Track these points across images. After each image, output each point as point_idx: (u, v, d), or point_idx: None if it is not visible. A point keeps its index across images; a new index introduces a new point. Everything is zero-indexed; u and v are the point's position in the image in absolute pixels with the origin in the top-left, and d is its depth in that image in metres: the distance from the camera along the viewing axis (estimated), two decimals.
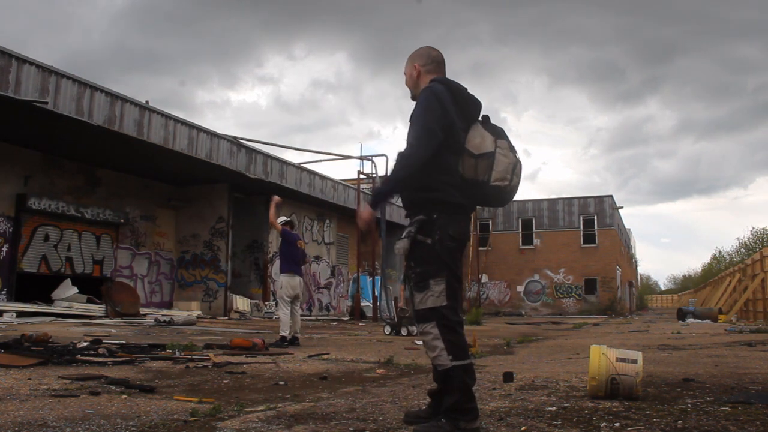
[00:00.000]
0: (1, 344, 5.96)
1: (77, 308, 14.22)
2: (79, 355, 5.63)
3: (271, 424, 2.90)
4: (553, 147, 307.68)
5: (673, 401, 3.51)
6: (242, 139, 18.49)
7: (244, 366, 5.44)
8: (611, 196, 36.28)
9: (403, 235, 2.80)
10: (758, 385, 4.14)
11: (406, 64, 3.07)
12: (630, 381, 3.51)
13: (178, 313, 15.07)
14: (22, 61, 12.00)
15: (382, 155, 36.13)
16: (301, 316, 9.13)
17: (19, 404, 3.30)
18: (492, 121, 2.92)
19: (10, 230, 14.57)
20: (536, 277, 35.81)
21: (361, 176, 22.82)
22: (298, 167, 21.41)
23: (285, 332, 8.10)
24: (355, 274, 22.10)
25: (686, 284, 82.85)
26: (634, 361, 3.58)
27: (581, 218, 35.73)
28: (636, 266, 66.66)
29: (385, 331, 11.52)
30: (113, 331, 10.21)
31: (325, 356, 6.65)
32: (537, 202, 37.03)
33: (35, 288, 14.94)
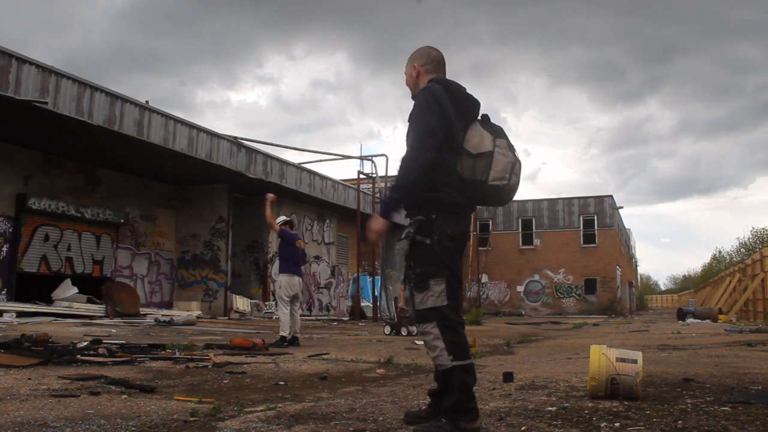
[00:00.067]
0: (1, 344, 5.96)
1: (77, 308, 14.22)
2: (79, 355, 5.63)
3: (271, 424, 2.90)
4: (553, 147, 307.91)
5: (673, 401, 3.51)
6: (242, 139, 18.49)
7: (244, 366, 5.44)
8: (611, 196, 36.29)
9: (403, 235, 2.81)
10: (758, 385, 4.14)
11: (407, 64, 3.07)
12: (630, 381, 3.50)
13: (178, 313, 15.08)
14: (22, 61, 12.00)
15: (382, 155, 36.24)
16: (301, 316, 9.12)
17: (19, 404, 3.30)
18: (491, 121, 2.91)
19: (10, 230, 14.57)
20: (536, 277, 35.82)
21: (361, 176, 22.81)
22: (298, 167, 21.41)
23: (285, 332, 8.10)
24: (355, 274, 22.10)
25: (686, 284, 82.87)
26: (634, 361, 3.58)
27: (581, 218, 35.74)
28: (636, 266, 66.70)
29: (385, 331, 11.52)
30: (113, 331, 10.21)
31: (325, 356, 6.65)
32: (537, 202, 37.04)
33: (35, 288, 14.94)
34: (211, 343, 7.55)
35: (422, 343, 7.83)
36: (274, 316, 16.00)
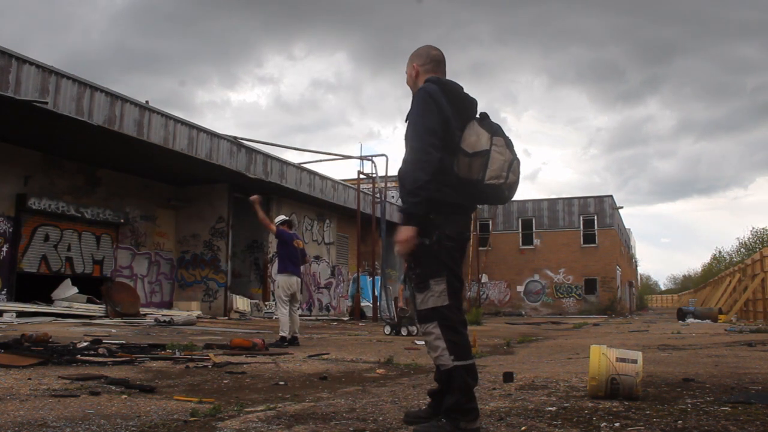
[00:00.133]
0: (1, 344, 5.96)
1: (77, 308, 14.22)
2: (79, 355, 5.63)
3: (271, 424, 2.90)
4: (553, 147, 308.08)
5: (673, 401, 3.51)
6: (242, 139, 18.49)
7: (244, 366, 5.44)
8: (611, 196, 36.28)
9: None
10: (758, 385, 4.14)
11: (407, 64, 3.06)
12: (630, 381, 3.50)
13: (178, 313, 15.08)
14: (22, 61, 11.99)
15: (382, 155, 36.15)
16: (301, 316, 9.12)
17: (19, 404, 3.30)
18: (490, 119, 2.89)
19: (10, 230, 14.57)
20: (536, 277, 35.81)
21: (361, 176, 22.81)
22: (298, 167, 21.40)
23: (284, 332, 8.10)
24: (355, 274, 22.10)
25: (686, 284, 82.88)
26: (634, 361, 3.58)
27: (581, 218, 35.73)
28: (636, 266, 66.69)
29: (385, 331, 11.52)
30: (113, 331, 10.21)
31: (325, 356, 6.65)
32: (537, 202, 37.03)
33: (35, 288, 14.94)
34: (211, 343, 7.55)
35: (422, 343, 7.81)
36: (274, 316, 16.00)
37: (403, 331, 11.10)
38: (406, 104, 2.91)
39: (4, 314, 12.34)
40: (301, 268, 8.90)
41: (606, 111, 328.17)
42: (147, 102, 15.33)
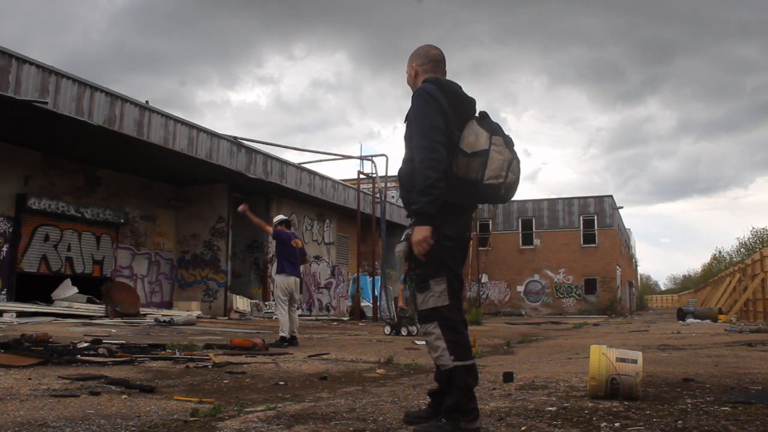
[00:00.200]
0: (1, 344, 5.97)
1: (77, 308, 14.23)
2: (79, 355, 5.63)
3: (271, 424, 2.90)
4: (553, 147, 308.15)
5: (673, 401, 3.51)
6: (242, 139, 18.49)
7: (244, 366, 5.44)
8: (611, 196, 36.27)
9: (403, 237, 2.80)
10: (758, 385, 4.14)
11: (407, 64, 3.06)
12: (630, 381, 3.50)
13: (178, 313, 15.08)
14: (22, 61, 12.00)
15: (382, 155, 36.12)
16: (301, 316, 9.12)
17: (19, 404, 3.30)
18: (489, 118, 2.87)
19: (10, 230, 14.57)
20: (536, 277, 35.81)
21: (361, 176, 22.81)
22: (298, 167, 21.40)
23: (284, 332, 8.10)
24: (355, 274, 22.10)
25: (686, 284, 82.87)
26: (634, 361, 3.58)
27: (581, 218, 35.72)
28: (636, 266, 66.68)
29: (385, 331, 11.52)
30: (113, 331, 10.21)
31: (325, 356, 6.65)
32: (537, 202, 37.02)
33: (35, 288, 14.94)
34: (211, 343, 7.55)
35: (423, 343, 7.81)
36: (274, 317, 16.00)
37: (403, 331, 11.10)
38: (406, 104, 2.91)
39: (4, 314, 12.34)
40: (301, 267, 8.88)
41: (606, 111, 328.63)
42: (147, 102, 15.33)
